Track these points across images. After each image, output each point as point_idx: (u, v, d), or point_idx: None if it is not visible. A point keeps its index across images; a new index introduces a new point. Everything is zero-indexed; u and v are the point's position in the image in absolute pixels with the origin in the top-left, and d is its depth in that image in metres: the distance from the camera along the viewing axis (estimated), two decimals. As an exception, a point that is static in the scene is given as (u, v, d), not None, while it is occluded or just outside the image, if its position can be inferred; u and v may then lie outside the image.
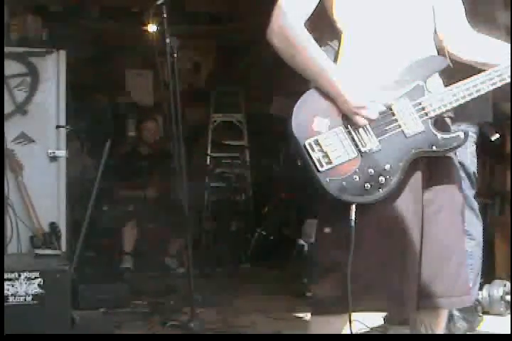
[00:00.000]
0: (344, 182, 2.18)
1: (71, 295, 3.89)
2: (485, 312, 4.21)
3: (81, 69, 7.17)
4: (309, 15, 2.29)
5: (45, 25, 5.51)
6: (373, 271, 2.26)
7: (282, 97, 7.88)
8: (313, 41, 2.25)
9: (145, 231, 6.34)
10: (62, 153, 5.13)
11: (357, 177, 2.19)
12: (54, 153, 5.09)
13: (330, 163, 2.18)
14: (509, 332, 3.58)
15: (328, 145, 2.18)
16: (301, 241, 5.62)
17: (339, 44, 2.31)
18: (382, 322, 3.93)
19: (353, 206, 2.19)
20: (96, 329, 4.06)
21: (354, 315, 2.37)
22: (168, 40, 4.04)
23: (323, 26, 2.36)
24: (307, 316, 4.50)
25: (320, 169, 2.18)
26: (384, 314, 3.79)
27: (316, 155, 2.18)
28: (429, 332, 2.43)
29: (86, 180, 5.94)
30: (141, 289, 5.22)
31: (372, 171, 2.20)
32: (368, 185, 2.19)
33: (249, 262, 6.72)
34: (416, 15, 2.34)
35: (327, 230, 2.30)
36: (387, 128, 2.23)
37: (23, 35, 5.29)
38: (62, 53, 5.16)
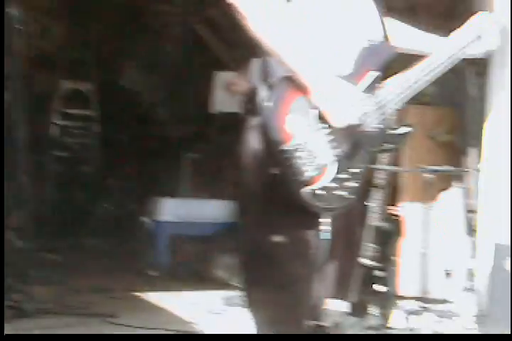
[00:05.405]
0: (320, 191, 2.06)
1: None
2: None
3: None
4: None
5: None
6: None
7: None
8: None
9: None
10: None
11: (333, 184, 2.07)
12: None
13: (306, 172, 2.04)
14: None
15: (302, 155, 2.03)
16: (145, 219, 5.54)
17: None
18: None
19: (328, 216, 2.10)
20: None
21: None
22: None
23: None
24: (147, 295, 4.45)
25: (300, 179, 2.04)
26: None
27: (297, 162, 2.03)
28: None
29: None
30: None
31: (343, 176, 2.08)
32: (343, 192, 2.08)
33: (91, 236, 6.57)
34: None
35: (283, 240, 2.14)
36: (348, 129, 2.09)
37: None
38: None
